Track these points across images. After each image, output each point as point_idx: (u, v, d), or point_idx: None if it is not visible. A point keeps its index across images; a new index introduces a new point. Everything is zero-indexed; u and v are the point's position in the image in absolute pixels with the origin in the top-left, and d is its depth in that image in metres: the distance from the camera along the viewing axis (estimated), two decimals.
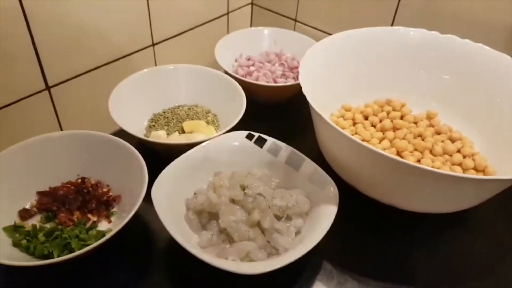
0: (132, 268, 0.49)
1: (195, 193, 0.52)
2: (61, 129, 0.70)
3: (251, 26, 0.99)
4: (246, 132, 0.57)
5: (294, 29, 0.88)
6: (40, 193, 0.53)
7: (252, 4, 0.95)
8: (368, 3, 0.75)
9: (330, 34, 0.64)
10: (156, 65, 0.79)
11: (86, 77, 0.70)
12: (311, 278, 0.48)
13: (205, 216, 0.50)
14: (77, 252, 0.42)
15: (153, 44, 0.78)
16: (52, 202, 0.52)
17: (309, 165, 0.53)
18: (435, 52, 0.65)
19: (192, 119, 0.66)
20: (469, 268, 0.51)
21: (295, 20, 0.89)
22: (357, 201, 0.54)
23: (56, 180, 0.55)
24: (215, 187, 0.51)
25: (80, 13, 0.64)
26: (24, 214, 0.51)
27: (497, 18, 0.63)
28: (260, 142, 0.57)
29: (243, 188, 0.51)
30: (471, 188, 0.47)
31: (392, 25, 0.73)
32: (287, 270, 0.42)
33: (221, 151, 0.56)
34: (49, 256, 0.45)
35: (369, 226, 0.55)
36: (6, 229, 0.48)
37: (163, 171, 0.50)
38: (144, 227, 0.53)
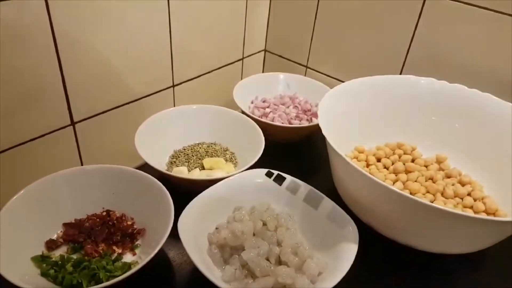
0: None
1: (216, 228, 0.53)
2: (82, 165, 0.72)
3: (263, 71, 1.04)
4: (265, 170, 0.59)
5: (305, 75, 0.93)
6: (66, 225, 0.54)
7: (265, 51, 1.01)
8: (378, 52, 0.79)
9: (340, 80, 0.67)
10: (174, 105, 0.82)
11: (109, 114, 0.72)
12: None
13: (227, 250, 0.51)
14: (108, 283, 0.43)
15: (173, 86, 0.82)
16: (78, 233, 0.53)
17: (327, 204, 0.55)
18: (444, 100, 0.68)
19: (211, 157, 0.68)
20: None
21: (306, 67, 0.94)
22: (374, 240, 0.55)
23: (82, 213, 0.56)
24: (236, 221, 0.53)
25: (109, 53, 0.67)
26: (51, 244, 0.52)
27: (503, 69, 0.67)
28: (279, 180, 0.59)
29: (264, 223, 0.53)
30: (486, 230, 0.48)
31: (401, 73, 0.77)
32: None
33: (242, 188, 0.58)
34: (77, 286, 0.46)
35: (387, 265, 0.56)
36: (34, 259, 0.49)
37: (188, 206, 0.51)
38: (166, 260, 0.54)
